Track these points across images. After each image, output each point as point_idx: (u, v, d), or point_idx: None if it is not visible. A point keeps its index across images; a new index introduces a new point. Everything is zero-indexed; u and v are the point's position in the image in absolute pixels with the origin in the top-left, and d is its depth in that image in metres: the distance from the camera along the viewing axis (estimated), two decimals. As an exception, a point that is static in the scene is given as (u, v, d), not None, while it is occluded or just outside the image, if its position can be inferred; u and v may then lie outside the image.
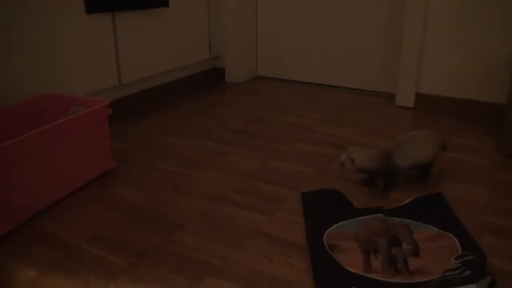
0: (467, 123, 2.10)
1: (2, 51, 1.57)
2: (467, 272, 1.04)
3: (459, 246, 1.18)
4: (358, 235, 1.20)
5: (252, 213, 1.35)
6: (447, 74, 2.18)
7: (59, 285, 1.07)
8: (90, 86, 1.93)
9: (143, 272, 1.11)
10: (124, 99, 2.14)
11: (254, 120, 2.12)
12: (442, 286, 0.99)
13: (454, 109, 2.18)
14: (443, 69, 2.18)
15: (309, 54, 2.67)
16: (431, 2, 2.12)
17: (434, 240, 1.21)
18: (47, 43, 1.72)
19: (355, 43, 2.52)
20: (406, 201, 1.39)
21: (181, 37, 2.41)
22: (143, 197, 1.44)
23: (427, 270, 1.08)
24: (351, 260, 1.12)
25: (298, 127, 2.03)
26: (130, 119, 2.14)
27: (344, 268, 1.09)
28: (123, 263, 1.14)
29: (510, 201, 1.42)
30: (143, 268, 1.12)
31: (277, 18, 2.71)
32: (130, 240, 1.23)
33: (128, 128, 2.03)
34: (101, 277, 1.09)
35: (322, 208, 1.35)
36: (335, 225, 1.26)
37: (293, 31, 2.68)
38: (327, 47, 2.61)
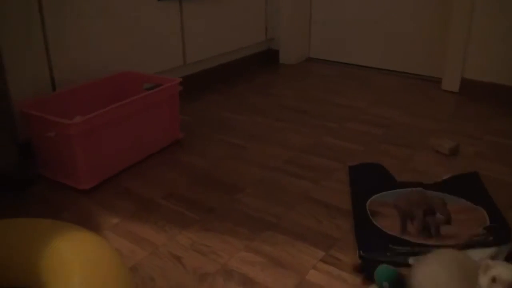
0: (509, 109, 2.19)
1: (90, 33, 1.80)
2: (491, 238, 1.20)
3: (487, 218, 1.32)
4: (398, 204, 1.37)
5: (303, 181, 1.54)
6: (493, 60, 2.26)
7: (139, 229, 1.30)
8: (159, 65, 2.15)
9: (211, 224, 1.32)
10: (188, 77, 2.35)
11: (307, 100, 2.29)
12: (466, 247, 1.15)
13: (498, 95, 2.27)
14: (488, 55, 2.26)
15: (360, 37, 2.80)
16: (482, -9, 2.21)
17: (465, 212, 1.36)
18: (125, 28, 1.94)
19: (404, 27, 2.62)
20: (444, 177, 1.53)
21: (240, 20, 2.59)
22: (207, 164, 1.65)
23: (456, 235, 1.24)
24: (389, 224, 1.30)
25: (348, 108, 2.18)
26: (193, 96, 2.35)
27: (383, 230, 1.27)
28: (195, 216, 1.36)
29: (543, 182, 1.55)
30: (211, 221, 1.34)
31: (330, 1, 2.85)
32: (199, 199, 1.44)
33: (191, 104, 2.24)
34: (176, 226, 1.32)
35: (367, 179, 1.52)
36: (377, 195, 1.43)
37: (345, 14, 2.81)
38: (377, 30, 2.72)
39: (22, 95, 1.60)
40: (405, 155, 1.71)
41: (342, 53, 2.90)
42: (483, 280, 0.87)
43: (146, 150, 1.68)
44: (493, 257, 1.16)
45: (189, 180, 1.55)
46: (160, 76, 1.83)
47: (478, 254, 1.15)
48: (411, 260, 1.16)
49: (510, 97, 2.25)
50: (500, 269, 0.86)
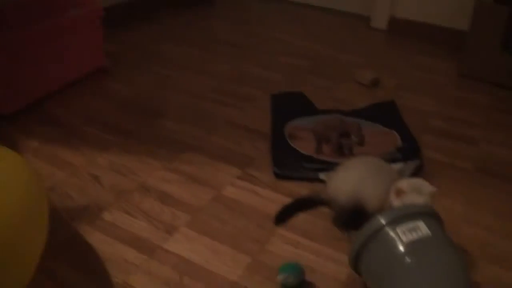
0: (434, 46, 2.28)
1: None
2: (399, 155, 1.28)
3: (399, 140, 1.40)
4: (315, 128, 1.41)
5: (227, 108, 1.56)
6: (419, 0, 2.32)
7: (59, 153, 1.29)
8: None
9: (131, 146, 1.33)
10: (119, 5, 2.27)
11: (239, 33, 2.28)
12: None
13: (424, 33, 2.35)
14: (417, -5, 2.32)
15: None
16: None
17: (379, 135, 1.43)
18: None
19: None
20: (362, 105, 1.60)
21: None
22: (132, 91, 1.64)
23: (369, 155, 1.31)
24: (305, 146, 1.35)
25: (279, 41, 2.19)
26: (124, 25, 2.29)
27: (298, 150, 1.32)
28: (115, 139, 1.36)
29: (456, 111, 1.64)
30: (131, 144, 1.34)
31: None
32: (120, 123, 1.44)
33: (122, 33, 2.18)
34: (96, 149, 1.31)
35: (288, 106, 1.56)
36: (296, 120, 1.48)
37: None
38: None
39: None
40: (328, 86, 1.75)
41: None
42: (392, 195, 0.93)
43: (68, 75, 1.64)
44: (400, 172, 1.24)
45: (112, 107, 1.54)
46: None
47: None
48: (321, 176, 1.23)
49: (436, 36, 2.33)
50: (402, 182, 0.93)
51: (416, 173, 1.27)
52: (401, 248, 0.77)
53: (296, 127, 1.44)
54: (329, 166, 1.25)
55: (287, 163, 1.26)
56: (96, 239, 1.01)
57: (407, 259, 0.76)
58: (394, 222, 0.79)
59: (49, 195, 1.13)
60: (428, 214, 0.82)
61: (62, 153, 1.29)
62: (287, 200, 1.14)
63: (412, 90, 1.78)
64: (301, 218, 1.09)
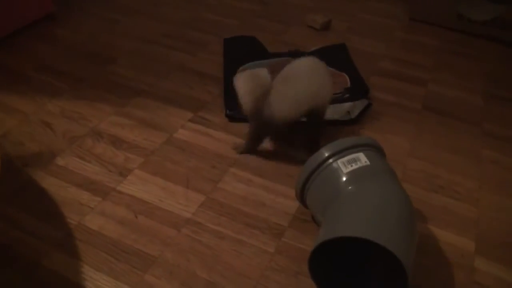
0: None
1: None
2: (347, 95, 1.32)
3: (349, 81, 1.44)
4: (266, 71, 1.44)
5: (179, 53, 1.56)
6: None
7: (8, 100, 1.27)
8: None
9: (82, 92, 1.32)
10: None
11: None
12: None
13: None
14: None
15: None
16: None
17: (329, 77, 1.46)
18: None
19: None
20: (313, 49, 1.62)
21: None
22: (82, 37, 1.61)
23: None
24: (257, 88, 1.37)
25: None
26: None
27: (250, 93, 1.34)
28: (65, 86, 1.34)
29: (405, 53, 1.68)
30: (82, 90, 1.33)
31: None
32: (70, 70, 1.42)
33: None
34: (46, 95, 1.30)
35: (240, 50, 1.57)
36: (248, 63, 1.49)
37: None
38: None
39: None
40: (279, 30, 1.76)
41: None
42: None
43: (16, 21, 1.58)
44: (349, 111, 1.29)
45: (61, 53, 1.51)
46: None
47: (337, 109, 1.27)
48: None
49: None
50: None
51: (365, 112, 1.32)
52: (343, 177, 0.82)
53: (248, 69, 1.45)
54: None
55: (238, 105, 1.28)
56: (50, 183, 1.02)
57: (348, 187, 0.81)
58: (336, 154, 0.84)
59: (0, 143, 1.12)
60: (369, 146, 0.87)
61: (12, 101, 1.27)
62: (239, 141, 1.17)
63: (363, 33, 1.81)
64: (251, 157, 1.13)
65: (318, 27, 1.78)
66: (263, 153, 1.15)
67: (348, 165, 0.82)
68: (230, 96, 1.32)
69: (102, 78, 1.39)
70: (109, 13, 1.79)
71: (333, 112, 1.26)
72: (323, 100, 1.07)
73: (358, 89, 1.38)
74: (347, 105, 1.30)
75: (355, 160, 0.82)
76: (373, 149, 0.88)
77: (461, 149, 1.23)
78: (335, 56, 1.59)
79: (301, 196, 0.90)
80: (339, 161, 0.83)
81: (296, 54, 1.57)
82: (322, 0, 2.09)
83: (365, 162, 0.82)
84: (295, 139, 1.19)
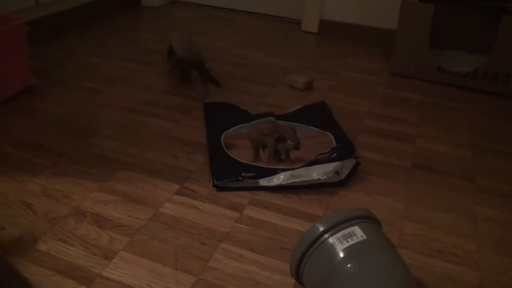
0: (365, 46, 2.35)
1: None
2: (335, 155, 1.29)
3: (334, 141, 1.43)
4: (250, 135, 1.42)
5: (161, 121, 1.54)
6: (349, 2, 2.38)
7: (-13, 181, 1.22)
8: (8, 5, 1.96)
9: (62, 168, 1.28)
10: (43, 19, 2.19)
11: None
12: (313, 163, 1.24)
13: (354, 35, 2.42)
14: (343, -4, 2.38)
15: (224, -20, 2.78)
16: None
17: (314, 138, 1.45)
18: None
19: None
20: (293, 109, 1.62)
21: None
22: (62, 110, 1.58)
23: (305, 158, 1.33)
24: (242, 154, 1.35)
25: (212, 49, 2.19)
26: (49, 39, 2.20)
27: (236, 160, 1.32)
28: (45, 162, 1.30)
29: (388, 109, 1.69)
30: (63, 166, 1.29)
31: None
32: (50, 144, 1.38)
33: (47, 48, 2.09)
34: (26, 173, 1.25)
35: (221, 115, 1.56)
36: (231, 128, 1.48)
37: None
38: (240, -27, 2.72)
39: None
40: (262, 92, 1.76)
41: (206, -4, 2.87)
42: None
43: (-9, 98, 1.56)
44: (338, 172, 1.26)
45: (40, 127, 1.47)
46: (4, 14, 1.68)
47: (324, 168, 1.24)
48: (262, 182, 1.23)
49: (365, 36, 2.40)
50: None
51: (354, 172, 1.29)
52: (340, 254, 0.78)
53: (232, 136, 1.44)
54: (268, 172, 1.25)
55: (226, 174, 1.25)
56: (32, 272, 0.96)
57: (346, 265, 0.77)
58: (330, 229, 0.81)
59: (-25, 229, 1.07)
60: (363, 218, 0.84)
61: (-11, 182, 1.23)
62: (228, 212, 1.14)
63: (345, 91, 1.82)
64: (242, 230, 1.09)
65: (301, 88, 1.78)
66: (251, 225, 1.11)
67: (343, 241, 0.79)
68: (216, 164, 1.30)
69: (83, 152, 1.35)
70: (90, 83, 1.78)
71: (322, 173, 1.24)
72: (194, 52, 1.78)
73: (345, 148, 1.36)
74: (335, 164, 1.27)
75: (351, 235, 0.79)
76: (368, 220, 0.85)
77: (455, 207, 1.21)
78: (317, 115, 1.59)
79: (297, 274, 0.86)
80: (334, 237, 0.80)
81: (278, 115, 1.56)
82: (302, 59, 2.11)
83: (362, 236, 0.79)
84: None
